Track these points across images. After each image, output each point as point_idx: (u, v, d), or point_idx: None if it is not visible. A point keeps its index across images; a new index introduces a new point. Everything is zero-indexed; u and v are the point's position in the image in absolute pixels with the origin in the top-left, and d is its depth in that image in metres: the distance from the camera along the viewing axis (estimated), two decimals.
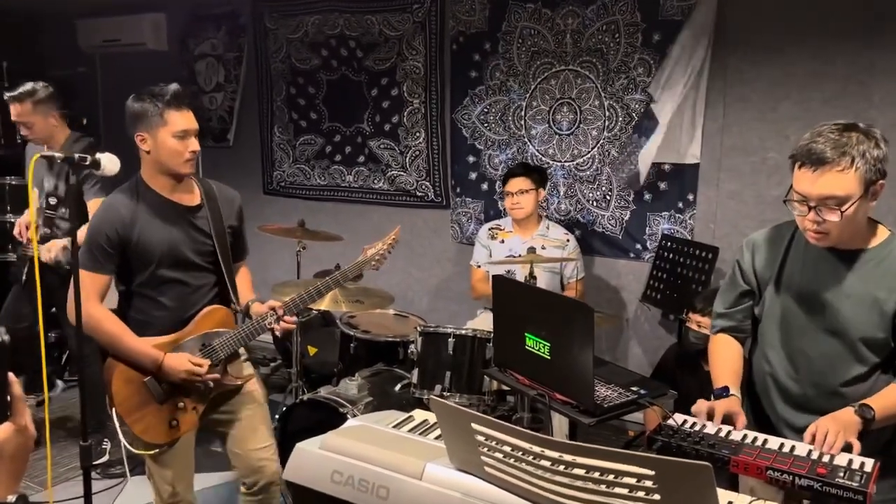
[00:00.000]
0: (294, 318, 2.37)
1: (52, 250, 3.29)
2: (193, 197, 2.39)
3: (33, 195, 3.51)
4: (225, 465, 2.68)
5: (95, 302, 2.24)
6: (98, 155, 2.14)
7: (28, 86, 3.45)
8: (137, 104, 2.26)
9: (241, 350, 2.48)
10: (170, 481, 2.40)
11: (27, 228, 3.48)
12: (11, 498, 1.08)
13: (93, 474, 2.26)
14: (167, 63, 5.66)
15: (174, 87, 2.28)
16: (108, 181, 2.67)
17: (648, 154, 3.82)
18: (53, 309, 3.66)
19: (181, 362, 2.26)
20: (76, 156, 2.09)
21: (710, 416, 1.87)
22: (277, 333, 2.37)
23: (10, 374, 1.09)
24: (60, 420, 4.21)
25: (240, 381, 2.44)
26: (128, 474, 3.47)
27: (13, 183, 5.09)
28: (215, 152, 5.55)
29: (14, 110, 3.47)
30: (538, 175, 3.77)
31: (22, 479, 1.13)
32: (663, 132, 3.76)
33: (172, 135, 2.24)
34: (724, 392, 1.96)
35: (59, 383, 4.65)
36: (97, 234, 2.25)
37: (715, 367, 2.09)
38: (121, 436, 2.30)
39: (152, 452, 2.36)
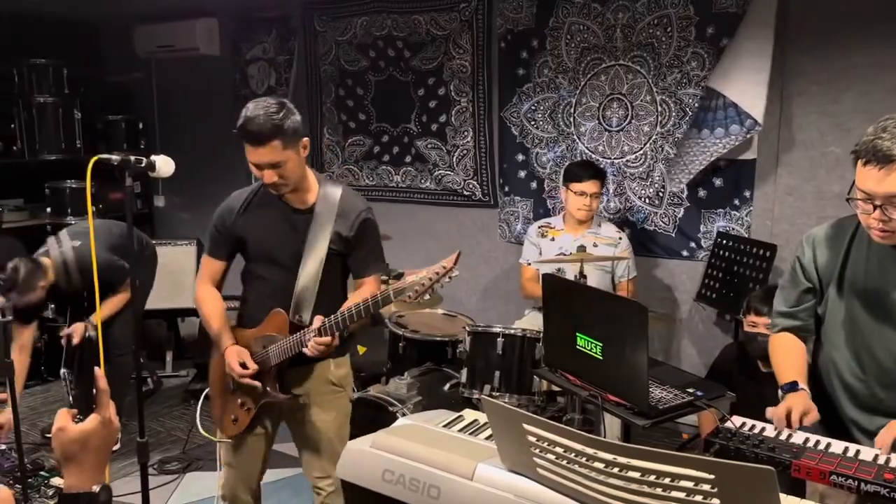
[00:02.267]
0: (326, 339, 2.17)
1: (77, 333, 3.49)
2: (308, 199, 2.35)
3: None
4: (289, 462, 2.72)
5: (203, 282, 2.41)
6: (153, 157, 2.18)
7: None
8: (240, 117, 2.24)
9: (334, 374, 2.42)
10: (228, 475, 2.46)
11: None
12: (96, 488, 1.12)
13: (149, 470, 2.30)
14: (220, 67, 5.77)
15: (251, 117, 2.17)
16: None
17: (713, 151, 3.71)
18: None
19: (231, 356, 2.28)
20: (132, 158, 2.14)
21: (788, 416, 1.80)
22: (309, 353, 2.21)
23: (97, 369, 1.13)
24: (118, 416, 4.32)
25: (279, 398, 2.33)
26: (183, 470, 3.55)
27: (73, 186, 5.26)
28: None
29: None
30: (604, 175, 3.75)
31: (104, 470, 1.17)
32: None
33: (250, 162, 2.23)
34: (794, 386, 1.89)
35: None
36: (214, 220, 2.41)
37: (779, 363, 2.02)
38: (198, 419, 2.42)
39: (216, 439, 2.45)
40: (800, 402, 1.83)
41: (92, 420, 1.14)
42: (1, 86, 5.44)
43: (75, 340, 3.51)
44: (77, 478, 1.12)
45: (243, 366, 2.27)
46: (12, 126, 5.45)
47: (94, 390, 1.15)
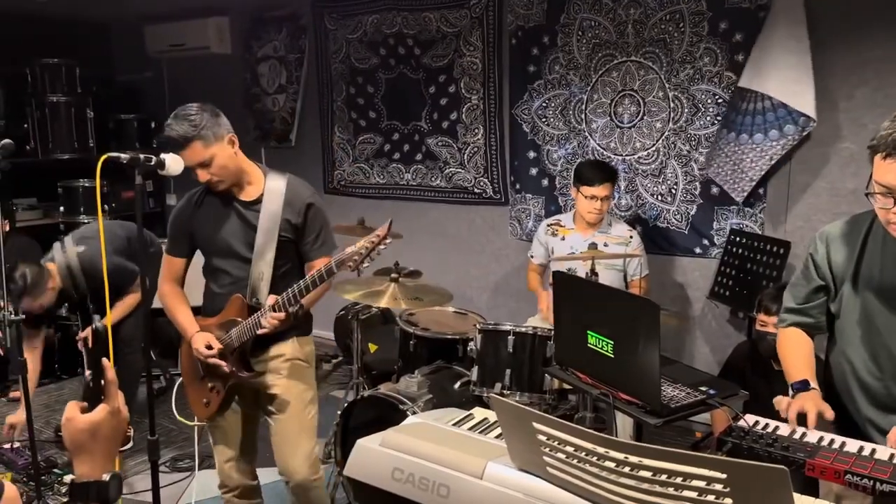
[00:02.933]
0: (280, 315, 2.33)
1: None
2: (253, 192, 2.48)
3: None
4: None
5: (165, 280, 2.57)
6: (163, 155, 2.19)
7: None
8: None
9: (293, 352, 2.53)
10: (218, 456, 2.64)
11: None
12: (106, 476, 1.15)
13: (161, 467, 2.31)
14: (231, 66, 5.78)
15: (169, 128, 2.32)
16: None
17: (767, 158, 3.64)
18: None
19: (198, 340, 2.44)
20: (142, 156, 2.14)
21: (802, 413, 1.78)
22: (263, 330, 2.36)
23: (104, 360, 1.15)
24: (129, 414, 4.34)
25: (245, 375, 2.48)
26: (196, 468, 3.55)
27: (85, 185, 5.29)
28: (278, 153, 5.64)
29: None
30: (615, 176, 3.71)
31: (115, 459, 1.19)
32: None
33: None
34: (805, 386, 1.87)
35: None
36: (171, 221, 2.57)
37: (788, 360, 2.00)
38: (174, 406, 2.69)
39: (192, 424, 2.68)
40: (813, 403, 1.81)
41: (101, 410, 1.16)
42: (14, 86, 5.48)
43: (91, 343, 3.53)
44: (87, 466, 1.14)
45: (209, 347, 2.44)
46: (25, 126, 5.49)
47: (102, 381, 1.16)
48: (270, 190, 2.46)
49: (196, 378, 2.58)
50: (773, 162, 3.64)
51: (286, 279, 2.47)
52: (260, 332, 2.37)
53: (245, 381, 2.50)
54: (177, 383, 2.70)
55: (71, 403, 1.17)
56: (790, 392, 1.89)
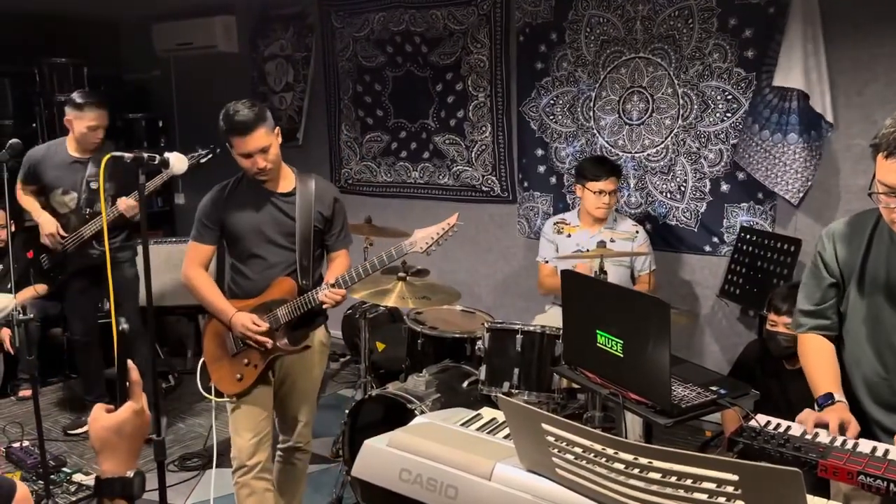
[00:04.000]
0: (342, 291, 2.55)
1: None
2: (287, 185, 2.67)
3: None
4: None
5: (194, 266, 2.66)
6: (166, 154, 2.18)
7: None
8: (220, 119, 2.53)
9: (319, 336, 2.74)
10: (242, 435, 2.67)
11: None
12: (130, 473, 1.20)
13: (170, 467, 2.31)
14: (238, 64, 5.78)
15: (236, 113, 2.49)
16: None
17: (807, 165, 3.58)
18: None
19: (243, 319, 2.57)
20: (145, 155, 2.14)
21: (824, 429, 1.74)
22: (324, 301, 2.54)
23: (129, 361, 1.19)
24: None
25: (293, 349, 2.63)
26: (203, 467, 3.55)
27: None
28: (285, 151, 5.49)
29: (93, 117, 3.79)
30: (620, 171, 3.69)
31: (139, 457, 1.24)
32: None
33: (238, 155, 2.55)
34: (829, 399, 1.83)
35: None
36: (201, 210, 2.66)
37: (811, 372, 1.95)
38: (199, 384, 2.80)
39: (222, 400, 2.70)
40: (837, 415, 1.76)
41: (126, 409, 1.22)
42: (22, 85, 5.50)
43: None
44: (112, 463, 1.20)
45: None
46: (33, 125, 5.51)
47: (127, 382, 1.22)
48: (303, 183, 2.67)
49: (226, 355, 2.69)
50: (817, 161, 3.60)
51: (317, 265, 2.72)
52: (321, 304, 2.56)
53: (292, 353, 2.64)
54: (199, 364, 2.79)
55: (98, 405, 1.24)
56: (816, 408, 1.85)
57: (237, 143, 2.51)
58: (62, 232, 3.80)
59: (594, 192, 3.56)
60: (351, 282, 2.57)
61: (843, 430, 1.74)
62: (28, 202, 3.93)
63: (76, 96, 3.81)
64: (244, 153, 2.52)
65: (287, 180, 2.69)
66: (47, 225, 3.81)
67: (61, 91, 5.45)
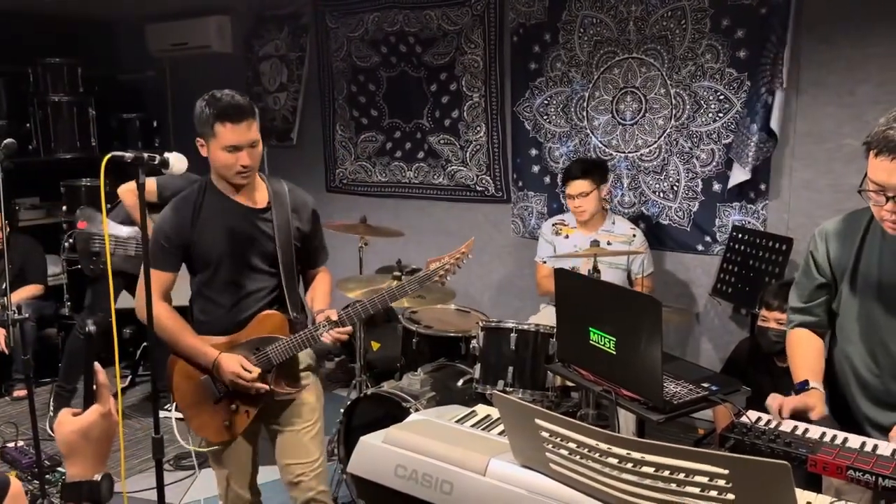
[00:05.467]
0: (347, 329, 2.27)
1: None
2: (260, 198, 2.35)
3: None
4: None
5: (156, 298, 2.24)
6: (166, 154, 2.19)
7: None
8: (198, 108, 2.25)
9: (305, 358, 2.44)
10: (226, 479, 2.45)
11: None
12: (98, 476, 1.18)
13: (165, 466, 2.31)
14: (232, 65, 5.78)
15: (227, 98, 2.22)
16: None
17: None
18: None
19: (232, 364, 2.25)
20: (145, 155, 2.14)
21: (781, 413, 1.79)
22: (328, 343, 2.28)
23: (96, 364, 1.18)
24: (134, 413, 4.35)
25: (292, 392, 2.37)
26: (198, 467, 3.56)
27: (87, 184, 5.30)
28: (279, 151, 5.64)
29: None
30: (598, 172, 3.65)
31: (106, 461, 1.21)
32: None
33: (221, 148, 2.22)
34: (804, 386, 1.88)
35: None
36: (158, 233, 2.29)
37: (794, 362, 2.01)
38: (175, 428, 2.36)
39: (207, 450, 2.39)
40: (799, 398, 1.82)
41: (92, 412, 1.19)
42: (16, 85, 5.48)
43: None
44: (80, 467, 1.17)
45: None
46: (28, 125, 5.50)
47: (94, 385, 1.20)
48: (277, 196, 2.36)
49: (206, 400, 2.35)
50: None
51: (297, 289, 2.42)
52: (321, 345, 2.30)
53: (292, 396, 2.37)
54: (172, 408, 2.42)
55: (63, 410, 1.21)
56: (793, 394, 1.89)
57: (225, 132, 2.18)
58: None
59: (569, 197, 3.63)
60: (357, 318, 2.31)
61: (805, 413, 1.79)
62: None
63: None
64: (232, 144, 2.20)
65: (260, 192, 2.36)
66: None
67: (55, 91, 5.46)
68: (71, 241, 4.11)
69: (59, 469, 3.56)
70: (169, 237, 2.29)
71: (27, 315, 3.38)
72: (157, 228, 2.31)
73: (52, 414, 4.09)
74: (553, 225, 3.81)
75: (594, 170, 3.66)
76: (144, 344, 4.70)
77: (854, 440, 1.69)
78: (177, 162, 2.22)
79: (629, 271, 3.69)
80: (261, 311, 2.35)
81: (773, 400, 1.83)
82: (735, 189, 3.86)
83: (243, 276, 2.33)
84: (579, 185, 3.58)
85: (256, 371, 2.27)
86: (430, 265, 2.39)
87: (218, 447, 2.40)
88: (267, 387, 2.30)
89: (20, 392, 4.52)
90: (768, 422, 1.79)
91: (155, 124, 6.13)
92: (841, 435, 1.72)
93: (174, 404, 2.38)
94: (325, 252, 2.55)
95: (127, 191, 3.72)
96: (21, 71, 5.44)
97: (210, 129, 2.21)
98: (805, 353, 2.00)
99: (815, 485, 1.87)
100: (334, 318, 2.26)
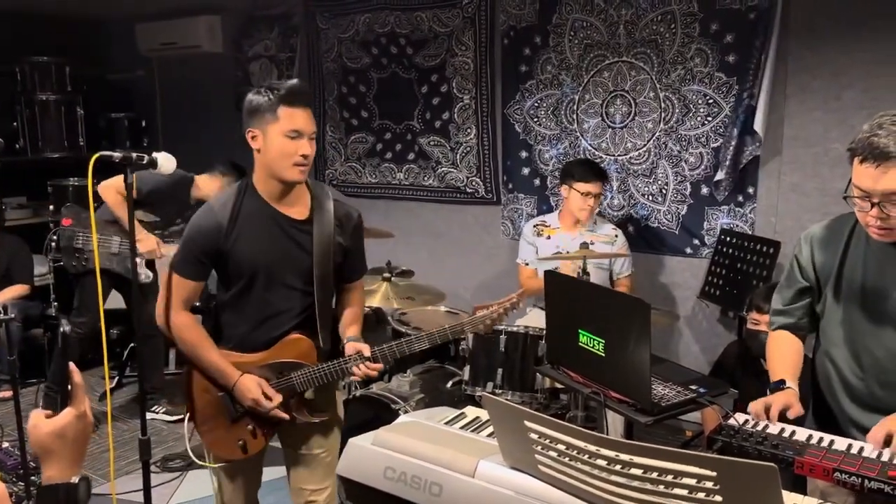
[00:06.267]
0: (379, 366, 2.15)
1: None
2: (302, 209, 2.17)
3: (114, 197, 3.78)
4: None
5: (179, 307, 2.15)
6: (154, 154, 2.18)
7: None
8: (254, 97, 2.09)
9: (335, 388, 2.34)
10: (227, 493, 2.35)
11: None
12: (75, 479, 1.15)
13: (152, 468, 2.30)
14: (222, 65, 5.76)
15: (293, 81, 2.12)
16: None
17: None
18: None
19: (252, 389, 2.12)
20: (134, 155, 2.14)
21: (768, 412, 1.81)
22: (356, 378, 2.18)
23: (71, 364, 1.15)
24: (121, 414, 4.33)
25: (312, 420, 2.25)
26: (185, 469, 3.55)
27: (75, 184, 5.27)
28: None
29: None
30: (607, 176, 3.74)
31: (82, 462, 1.19)
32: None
33: (283, 133, 2.04)
34: (780, 385, 1.90)
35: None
36: (191, 240, 2.13)
37: (772, 361, 2.04)
38: (188, 443, 2.28)
39: (216, 465, 2.29)
40: (780, 398, 1.84)
41: (67, 414, 1.17)
42: (3, 83, 5.44)
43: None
44: (56, 470, 1.15)
45: (267, 398, 2.15)
46: (14, 124, 5.46)
47: (70, 386, 1.17)
48: (321, 207, 2.18)
49: (222, 417, 2.22)
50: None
51: (329, 312, 2.27)
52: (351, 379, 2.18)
53: (312, 422, 2.26)
54: (186, 420, 2.32)
55: (34, 411, 1.18)
56: (768, 393, 1.91)
57: (292, 115, 2.03)
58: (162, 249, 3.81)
59: (581, 193, 3.59)
60: (392, 358, 2.16)
61: (784, 413, 1.81)
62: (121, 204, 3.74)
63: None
64: (296, 129, 2.04)
65: (303, 202, 2.18)
66: (149, 242, 3.80)
67: (43, 90, 5.42)
68: (55, 238, 4.07)
69: None
70: (201, 243, 2.11)
71: (13, 315, 3.35)
72: (190, 234, 2.14)
73: None
74: (534, 226, 3.82)
75: (604, 172, 3.74)
76: (132, 345, 4.69)
77: (840, 442, 1.70)
78: (165, 162, 2.21)
79: (611, 271, 3.71)
80: (290, 331, 2.19)
81: (756, 404, 1.84)
82: (723, 192, 3.88)
83: (275, 293, 2.15)
84: (597, 187, 3.60)
85: (277, 399, 2.14)
86: (476, 312, 2.23)
87: (226, 464, 2.30)
88: (287, 416, 2.18)
89: (5, 393, 4.48)
90: (756, 424, 1.80)
91: (144, 124, 6.09)
92: (827, 437, 1.73)
93: (188, 415, 2.28)
94: (364, 267, 2.38)
95: (106, 188, 3.70)
96: (8, 69, 5.40)
97: (273, 113, 2.03)
98: (784, 353, 2.02)
99: (801, 487, 1.89)
100: (367, 353, 2.13)
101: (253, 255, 2.11)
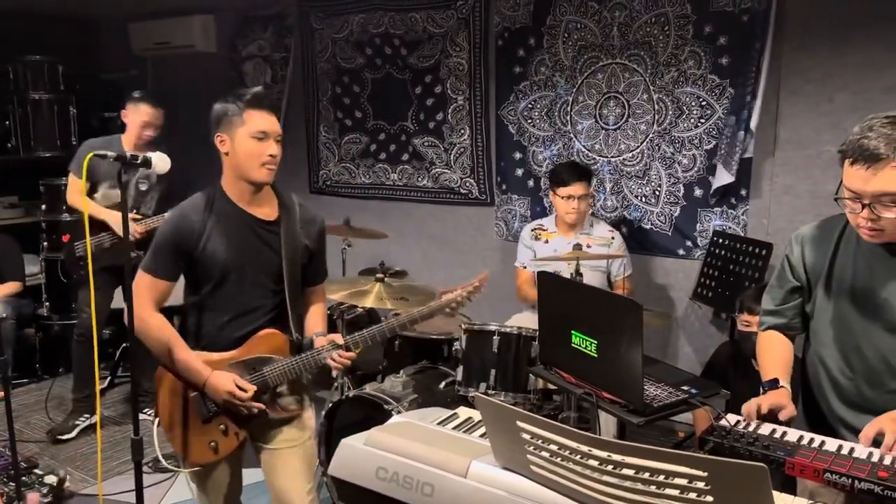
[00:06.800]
0: (352, 354, 2.22)
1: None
2: (270, 211, 2.26)
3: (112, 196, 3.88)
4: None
5: (150, 307, 2.18)
6: (149, 153, 2.18)
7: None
8: (220, 105, 2.19)
9: (304, 380, 2.36)
10: (208, 500, 2.36)
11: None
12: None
13: (144, 468, 2.29)
14: (216, 64, 5.75)
15: (258, 88, 2.23)
16: None
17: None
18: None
19: (225, 382, 2.15)
20: (128, 154, 2.13)
21: (759, 412, 1.81)
22: (332, 367, 2.23)
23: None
24: (113, 415, 4.31)
25: (286, 414, 2.30)
26: (176, 469, 3.53)
27: (67, 183, 5.25)
28: None
29: (148, 113, 3.87)
30: (589, 174, 3.72)
31: None
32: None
33: (250, 135, 2.14)
34: (773, 384, 1.90)
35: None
36: (164, 241, 2.18)
37: (763, 361, 2.04)
38: (157, 448, 2.26)
39: (189, 470, 2.29)
40: (772, 397, 1.85)
41: None
42: None
43: None
44: None
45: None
46: (7, 123, 5.44)
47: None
48: (287, 209, 2.28)
49: (196, 420, 2.24)
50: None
51: (299, 309, 2.36)
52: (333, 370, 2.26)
53: (286, 416, 2.30)
54: (155, 424, 2.28)
55: None
56: (761, 391, 1.92)
57: (257, 117, 2.14)
58: (139, 228, 3.77)
59: (563, 198, 3.61)
60: (364, 344, 2.24)
61: (776, 412, 1.82)
62: (91, 205, 3.84)
63: (135, 92, 3.98)
64: (263, 130, 2.14)
65: (270, 204, 2.27)
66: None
67: (35, 89, 5.40)
68: (62, 258, 4.12)
69: (36, 471, 3.51)
70: (173, 243, 2.17)
71: (5, 314, 3.35)
72: (162, 235, 2.19)
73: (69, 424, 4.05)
74: (532, 230, 3.83)
75: (588, 173, 3.72)
76: (124, 345, 4.67)
77: (831, 443, 1.71)
78: (159, 161, 2.20)
79: (609, 273, 3.72)
80: (261, 328, 2.25)
81: (749, 405, 1.85)
82: (717, 194, 3.90)
83: (245, 292, 2.22)
84: (581, 187, 3.59)
85: (251, 389, 2.17)
86: (443, 296, 2.34)
87: (200, 469, 2.30)
88: (262, 406, 2.21)
89: None
90: (747, 425, 1.81)
91: None
92: (818, 438, 1.74)
93: (157, 420, 2.28)
94: (325, 271, 2.48)
95: (69, 196, 3.91)
96: (1, 68, 5.38)
97: (239, 116, 2.14)
98: (775, 353, 2.03)
99: (792, 487, 1.90)
100: (340, 341, 2.20)
101: (224, 255, 2.18)
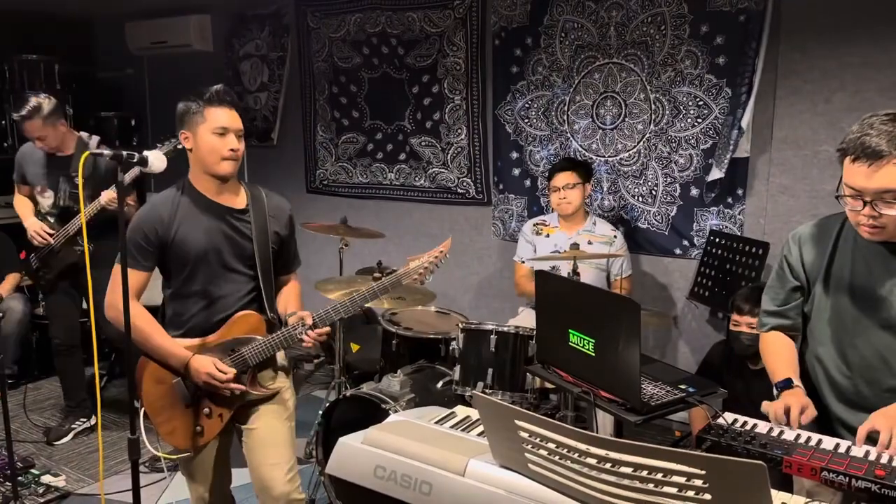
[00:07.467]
0: (326, 329, 2.26)
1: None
2: (239, 200, 2.36)
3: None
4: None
5: (131, 298, 2.19)
6: (145, 152, 2.17)
7: (32, 102, 3.69)
8: (182, 104, 2.29)
9: (280, 358, 2.42)
10: (197, 488, 2.43)
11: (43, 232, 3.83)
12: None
13: (140, 468, 2.29)
14: (213, 64, 5.75)
15: (217, 86, 2.30)
16: None
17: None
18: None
19: (205, 365, 2.23)
20: (124, 153, 2.12)
21: (787, 413, 1.80)
22: (307, 344, 2.26)
23: None
24: (111, 413, 4.30)
25: (268, 393, 2.36)
26: (171, 469, 3.53)
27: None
28: (259, 152, 5.62)
29: (28, 128, 3.74)
30: (584, 169, 3.73)
31: None
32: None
33: (212, 131, 2.23)
34: (787, 384, 1.90)
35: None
36: (135, 232, 2.26)
37: (771, 361, 2.03)
38: (143, 435, 2.24)
39: (177, 457, 2.34)
40: (797, 399, 1.83)
41: None
42: None
43: None
44: None
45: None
46: (3, 122, 5.42)
47: None
48: (255, 199, 2.37)
49: (177, 405, 2.32)
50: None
51: (274, 292, 2.43)
52: (304, 346, 2.29)
53: (264, 396, 2.35)
54: (141, 413, 2.31)
55: None
56: (775, 392, 1.91)
57: (217, 113, 2.23)
58: (47, 229, 3.79)
59: (553, 190, 3.67)
60: (335, 316, 2.27)
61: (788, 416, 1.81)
62: (21, 204, 3.92)
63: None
64: (223, 125, 2.23)
65: (239, 195, 2.37)
66: (32, 224, 3.83)
67: (31, 88, 5.38)
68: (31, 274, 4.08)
69: (33, 471, 3.51)
70: (147, 235, 2.25)
71: (2, 314, 3.34)
72: (133, 227, 2.27)
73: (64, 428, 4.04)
74: (534, 225, 3.84)
75: (580, 166, 3.75)
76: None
77: (828, 442, 1.71)
78: (156, 161, 2.20)
79: (608, 272, 3.72)
80: (237, 312, 2.33)
81: (776, 407, 1.82)
82: (710, 189, 3.90)
83: (220, 278, 2.31)
84: (566, 177, 3.63)
85: (231, 371, 2.25)
86: (410, 263, 2.38)
87: (188, 454, 2.36)
88: (243, 387, 2.28)
89: None
90: (744, 424, 1.81)
91: (133, 123, 6.07)
92: (815, 437, 1.74)
93: (142, 409, 2.33)
94: (298, 258, 2.56)
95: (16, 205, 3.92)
96: None
97: (200, 114, 2.23)
98: (782, 353, 2.02)
99: (789, 486, 1.90)
100: (309, 321, 2.24)
101: (196, 242, 2.27)
